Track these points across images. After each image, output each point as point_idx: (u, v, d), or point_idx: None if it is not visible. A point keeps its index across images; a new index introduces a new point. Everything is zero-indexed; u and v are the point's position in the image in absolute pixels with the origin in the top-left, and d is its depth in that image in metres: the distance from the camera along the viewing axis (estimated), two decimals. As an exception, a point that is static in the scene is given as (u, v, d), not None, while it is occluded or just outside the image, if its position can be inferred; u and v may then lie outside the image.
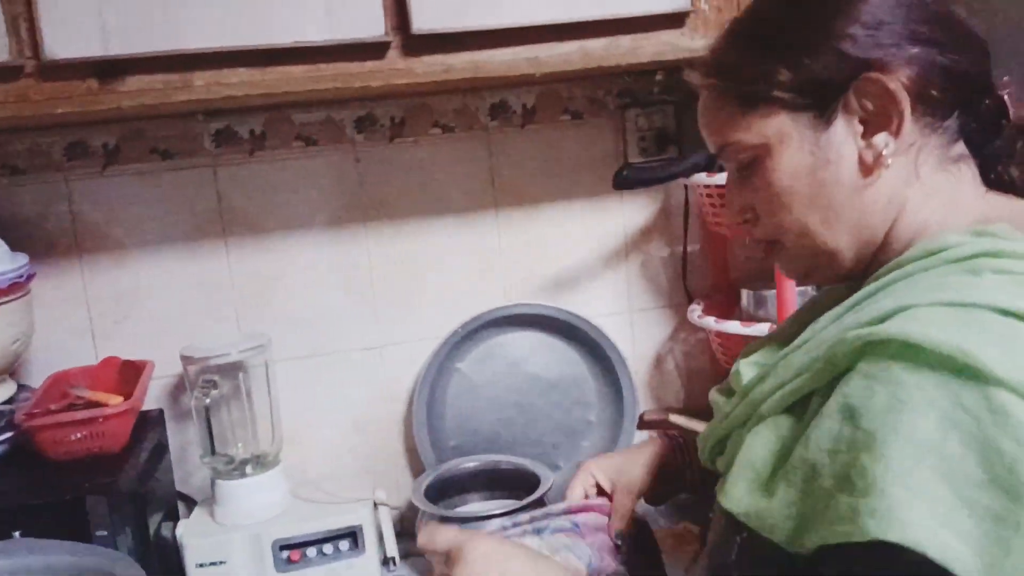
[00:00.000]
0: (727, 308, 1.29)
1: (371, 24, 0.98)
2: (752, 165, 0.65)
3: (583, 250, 1.37)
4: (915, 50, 0.60)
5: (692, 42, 1.08)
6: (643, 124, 1.33)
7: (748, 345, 0.75)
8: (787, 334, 0.68)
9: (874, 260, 0.64)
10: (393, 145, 1.28)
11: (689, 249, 1.38)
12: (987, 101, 0.63)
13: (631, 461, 0.87)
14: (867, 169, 0.61)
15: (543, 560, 0.72)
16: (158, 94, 0.95)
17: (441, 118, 1.29)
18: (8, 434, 1.07)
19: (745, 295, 1.23)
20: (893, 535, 0.47)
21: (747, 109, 0.63)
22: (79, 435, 1.05)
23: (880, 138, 0.61)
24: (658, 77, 1.33)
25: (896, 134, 0.60)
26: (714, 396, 0.73)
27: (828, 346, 0.57)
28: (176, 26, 0.93)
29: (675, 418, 1.37)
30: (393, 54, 1.01)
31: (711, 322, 1.22)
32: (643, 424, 1.41)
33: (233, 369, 1.20)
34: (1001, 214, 0.61)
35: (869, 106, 0.60)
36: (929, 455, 0.48)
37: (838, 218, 0.62)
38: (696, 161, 1.13)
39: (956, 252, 0.57)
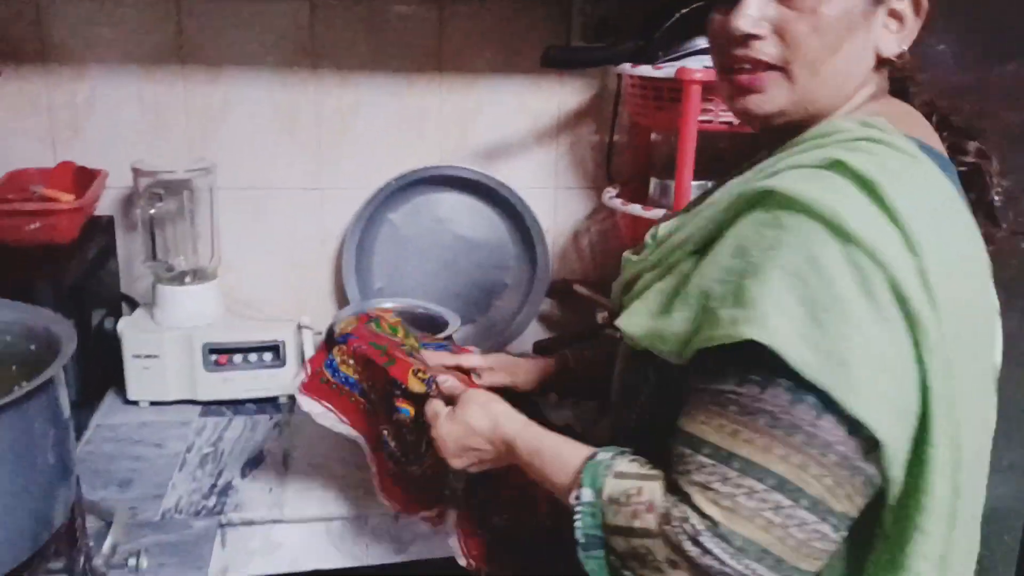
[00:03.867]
0: (641, 195, 1.41)
1: None
2: None
3: (518, 124, 1.47)
4: None
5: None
6: (588, 11, 1.41)
7: (664, 215, 0.85)
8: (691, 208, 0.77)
9: (800, 126, 0.72)
10: (349, -1, 1.35)
11: (616, 137, 1.48)
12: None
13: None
14: (883, 41, 0.70)
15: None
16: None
17: (399, -19, 1.36)
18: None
19: (653, 183, 1.35)
20: (763, 338, 0.59)
21: None
22: (33, 226, 1.16)
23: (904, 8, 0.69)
24: (608, -33, 1.40)
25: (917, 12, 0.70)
26: (626, 255, 0.83)
27: (730, 199, 0.68)
28: None
29: (579, 288, 1.51)
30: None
31: (618, 204, 1.34)
32: (552, 292, 1.56)
33: (179, 186, 1.31)
34: (889, 112, 0.70)
35: None
36: (796, 283, 0.59)
37: (837, 71, 0.69)
38: (623, 50, 1.21)
39: (844, 135, 0.67)
